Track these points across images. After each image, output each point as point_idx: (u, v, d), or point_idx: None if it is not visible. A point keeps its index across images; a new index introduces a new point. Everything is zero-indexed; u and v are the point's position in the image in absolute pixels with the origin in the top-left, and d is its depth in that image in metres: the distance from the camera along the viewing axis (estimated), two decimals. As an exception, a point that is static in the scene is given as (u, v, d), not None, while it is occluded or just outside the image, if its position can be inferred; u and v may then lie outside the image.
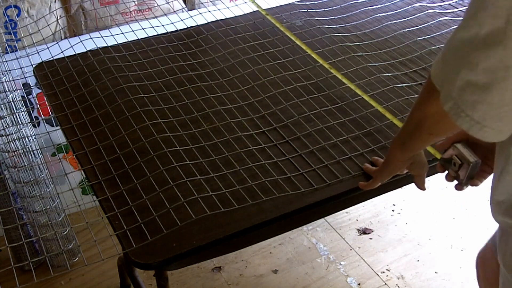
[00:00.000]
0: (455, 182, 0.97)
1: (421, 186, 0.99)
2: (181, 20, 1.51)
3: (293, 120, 1.16)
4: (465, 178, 0.93)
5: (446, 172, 0.96)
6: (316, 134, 1.13)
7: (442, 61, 0.66)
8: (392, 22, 1.52)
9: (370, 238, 1.76)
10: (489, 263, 1.01)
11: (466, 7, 0.63)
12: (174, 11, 1.71)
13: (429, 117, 0.73)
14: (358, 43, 1.42)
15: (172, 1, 1.77)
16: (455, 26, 1.55)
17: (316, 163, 1.06)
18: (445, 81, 0.65)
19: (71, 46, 1.37)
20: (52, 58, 1.35)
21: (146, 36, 1.44)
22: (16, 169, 1.41)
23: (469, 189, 1.97)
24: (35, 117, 1.64)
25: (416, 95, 1.23)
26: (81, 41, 1.38)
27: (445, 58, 0.65)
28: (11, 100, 1.38)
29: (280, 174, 1.03)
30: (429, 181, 1.01)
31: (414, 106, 0.77)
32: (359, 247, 1.73)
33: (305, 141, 1.11)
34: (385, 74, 1.30)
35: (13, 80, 1.41)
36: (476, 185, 0.95)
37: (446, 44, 0.65)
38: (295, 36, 1.43)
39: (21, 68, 1.38)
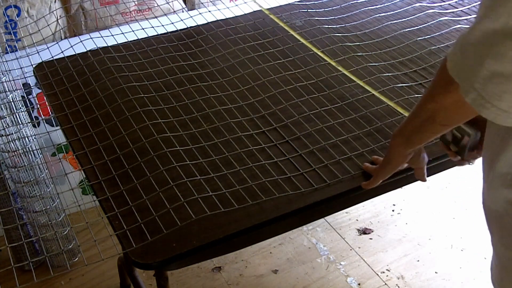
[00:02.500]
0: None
1: (422, 178, 1.00)
2: (181, 20, 1.51)
3: (293, 120, 1.16)
4: (466, 151, 0.92)
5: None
6: (316, 134, 1.13)
7: (460, 53, 0.65)
8: (392, 22, 1.52)
9: (370, 238, 1.76)
10: None
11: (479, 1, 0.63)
12: (174, 11, 1.71)
13: (445, 108, 0.73)
14: (358, 43, 1.42)
15: (172, 1, 1.77)
16: (456, 26, 1.56)
17: (316, 163, 1.06)
18: (465, 73, 0.65)
19: (71, 46, 1.37)
20: (52, 58, 1.35)
21: (146, 36, 1.44)
22: (16, 169, 1.41)
23: (469, 188, 1.97)
24: (35, 117, 1.64)
25: (416, 95, 1.23)
26: (81, 41, 1.38)
27: (464, 50, 0.65)
28: (11, 100, 1.38)
29: (280, 174, 1.03)
30: (429, 181, 1.01)
31: (426, 99, 0.77)
32: (359, 247, 1.73)
33: (305, 141, 1.11)
34: (385, 74, 1.30)
35: (13, 80, 1.41)
36: (477, 158, 0.95)
37: (465, 36, 0.65)
38: (299, 35, 1.43)
39: (21, 68, 1.38)
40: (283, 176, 1.03)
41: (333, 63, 1.33)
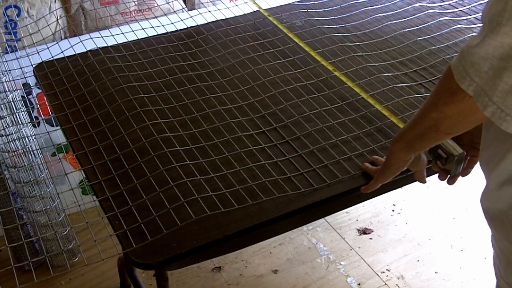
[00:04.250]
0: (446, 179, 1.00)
1: (422, 180, 1.00)
2: (181, 20, 1.51)
3: (293, 120, 1.16)
4: (452, 170, 0.96)
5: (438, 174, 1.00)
6: (316, 134, 1.13)
7: (472, 69, 0.66)
8: (392, 22, 1.52)
9: (370, 238, 1.76)
10: None
11: (475, 14, 0.63)
12: (174, 11, 1.71)
13: (450, 118, 0.74)
14: (358, 43, 1.42)
15: (172, 1, 1.77)
16: (456, 26, 1.55)
17: (316, 163, 1.06)
18: (481, 88, 0.65)
19: (71, 46, 1.36)
20: (52, 58, 1.35)
21: (146, 36, 1.44)
22: (16, 169, 1.41)
23: (469, 188, 1.97)
24: (35, 117, 1.64)
25: (416, 95, 1.23)
26: (81, 41, 1.38)
27: (476, 64, 0.65)
28: (11, 100, 1.38)
29: (280, 174, 1.03)
30: (429, 181, 1.01)
31: (429, 108, 0.77)
32: (359, 247, 1.73)
33: (305, 141, 1.11)
34: (385, 74, 1.30)
35: (13, 80, 1.41)
36: (468, 173, 0.99)
37: (475, 50, 0.65)
38: (296, 36, 1.43)
39: (21, 68, 1.38)
40: (283, 176, 1.03)
41: (327, 65, 1.33)
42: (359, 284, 1.61)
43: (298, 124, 1.16)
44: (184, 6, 1.83)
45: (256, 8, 1.57)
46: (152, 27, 1.46)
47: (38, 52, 1.40)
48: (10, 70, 1.39)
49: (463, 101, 0.69)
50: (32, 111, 1.65)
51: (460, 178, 1.01)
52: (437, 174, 1.09)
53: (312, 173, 1.04)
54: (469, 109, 0.69)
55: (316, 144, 1.10)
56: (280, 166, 1.05)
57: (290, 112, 1.19)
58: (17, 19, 1.60)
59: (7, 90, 1.39)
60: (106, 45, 1.39)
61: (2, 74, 1.39)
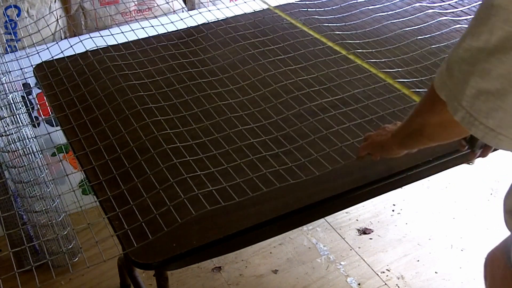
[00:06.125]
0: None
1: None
2: (181, 19, 1.51)
3: (294, 114, 1.16)
4: (476, 147, 0.94)
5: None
6: (316, 132, 1.13)
7: (447, 72, 0.65)
8: (392, 22, 1.52)
9: (370, 238, 1.76)
10: (496, 264, 1.01)
11: (473, 16, 0.62)
12: (174, 11, 1.71)
13: (431, 126, 0.73)
14: (358, 41, 1.42)
15: (172, 1, 1.77)
16: (456, 26, 1.55)
17: (316, 165, 1.06)
18: (452, 92, 0.64)
19: (71, 46, 1.36)
20: (52, 58, 1.35)
21: (146, 35, 1.44)
22: (16, 169, 1.41)
23: (469, 188, 1.96)
24: (35, 117, 1.64)
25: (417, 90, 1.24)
26: (81, 41, 1.38)
27: (450, 68, 0.64)
28: (11, 101, 1.38)
29: (281, 165, 1.03)
30: (429, 181, 1.01)
31: (415, 112, 0.77)
32: (359, 247, 1.73)
33: (304, 140, 1.11)
34: (385, 70, 1.30)
35: (14, 81, 1.41)
36: (487, 155, 0.97)
37: (451, 55, 0.65)
38: (312, 30, 1.44)
39: (21, 68, 1.38)
40: (284, 166, 1.02)
41: (348, 55, 1.33)
42: (359, 284, 1.61)
43: (300, 117, 1.16)
44: (184, 5, 1.83)
45: (256, 7, 1.57)
46: (152, 26, 1.46)
47: (38, 52, 1.40)
48: (10, 71, 1.39)
49: (442, 113, 0.68)
50: (32, 111, 1.65)
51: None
52: (437, 175, 1.09)
53: (312, 173, 1.04)
54: (448, 122, 0.67)
55: (316, 143, 1.10)
56: (282, 158, 1.05)
57: (290, 108, 1.19)
58: (17, 19, 1.60)
59: (7, 90, 1.39)
60: (106, 45, 1.39)
61: (2, 74, 1.39)
